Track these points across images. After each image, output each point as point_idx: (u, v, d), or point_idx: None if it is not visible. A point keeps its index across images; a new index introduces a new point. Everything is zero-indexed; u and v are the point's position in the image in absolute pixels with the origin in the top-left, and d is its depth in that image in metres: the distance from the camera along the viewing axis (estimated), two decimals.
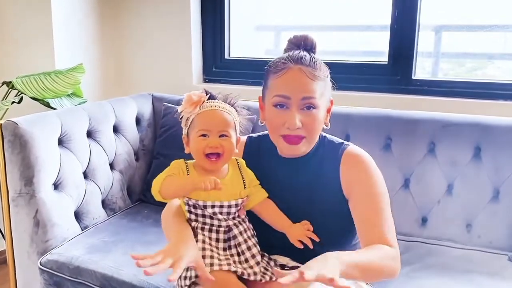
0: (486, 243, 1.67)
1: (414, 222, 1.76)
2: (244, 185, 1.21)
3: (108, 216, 1.89)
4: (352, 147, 1.25)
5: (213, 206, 1.17)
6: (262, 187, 1.26)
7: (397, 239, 1.67)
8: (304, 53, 1.18)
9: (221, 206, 1.17)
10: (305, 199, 1.24)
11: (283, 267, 1.27)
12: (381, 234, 1.15)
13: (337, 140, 1.28)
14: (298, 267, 1.25)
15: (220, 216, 1.17)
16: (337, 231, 1.24)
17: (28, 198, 1.63)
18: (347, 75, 2.09)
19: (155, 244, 1.66)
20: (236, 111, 1.22)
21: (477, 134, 1.69)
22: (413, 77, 2.03)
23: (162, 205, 1.92)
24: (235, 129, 1.19)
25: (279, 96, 1.16)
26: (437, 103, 1.92)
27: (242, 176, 1.22)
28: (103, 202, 1.90)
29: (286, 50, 1.23)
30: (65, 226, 1.70)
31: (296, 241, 1.19)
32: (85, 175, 1.82)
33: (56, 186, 1.71)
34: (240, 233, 1.18)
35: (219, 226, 1.17)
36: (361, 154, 1.23)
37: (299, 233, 1.19)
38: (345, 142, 1.26)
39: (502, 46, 2.09)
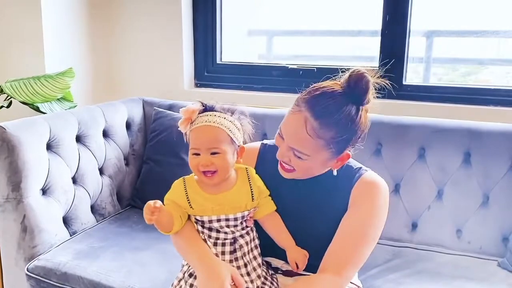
0: (476, 249, 1.67)
1: (404, 228, 1.75)
2: (252, 197, 1.18)
3: (97, 222, 1.88)
4: (369, 174, 1.21)
5: (218, 220, 1.15)
6: (271, 199, 1.23)
7: (387, 245, 1.70)
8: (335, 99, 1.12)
9: (227, 220, 1.16)
10: (312, 215, 1.22)
11: (276, 270, 1.28)
12: (342, 262, 1.13)
13: (356, 164, 1.24)
14: (291, 271, 1.26)
15: (227, 229, 1.16)
16: None
17: (16, 204, 1.61)
18: None
19: (144, 250, 1.65)
20: (237, 120, 1.17)
21: (467, 139, 1.69)
22: (404, 83, 2.03)
23: None
24: (232, 141, 1.14)
25: (277, 133, 1.16)
26: (428, 109, 1.93)
27: (251, 187, 1.19)
28: (92, 207, 1.88)
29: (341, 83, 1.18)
30: (53, 231, 1.68)
31: (292, 262, 1.19)
32: (74, 180, 1.81)
33: (44, 191, 1.69)
34: (246, 243, 1.18)
35: (225, 239, 1.16)
36: (376, 182, 1.19)
37: (298, 257, 1.19)
38: (363, 168, 1.23)
39: (496, 51, 2.10)
